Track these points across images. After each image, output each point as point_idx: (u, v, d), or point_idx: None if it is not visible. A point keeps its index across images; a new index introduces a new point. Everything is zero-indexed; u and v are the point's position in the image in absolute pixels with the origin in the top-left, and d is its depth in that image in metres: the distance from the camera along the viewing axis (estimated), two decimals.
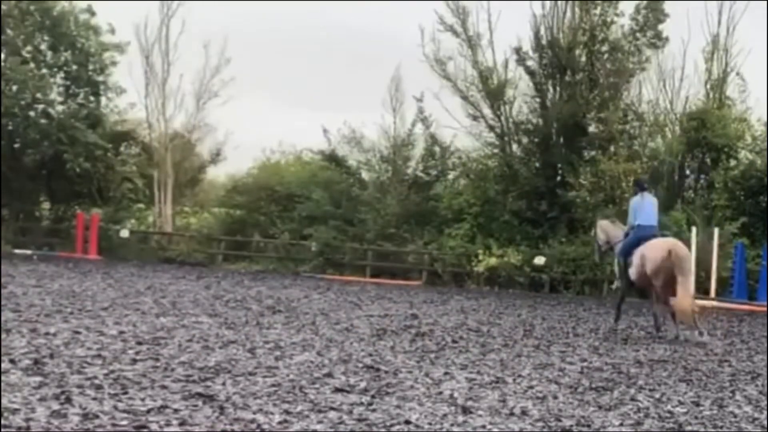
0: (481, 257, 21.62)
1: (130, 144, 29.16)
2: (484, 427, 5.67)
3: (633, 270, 12.30)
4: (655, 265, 11.88)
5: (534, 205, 22.42)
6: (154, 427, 5.11)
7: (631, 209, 12.77)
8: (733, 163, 22.00)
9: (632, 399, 6.96)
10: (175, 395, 5.98)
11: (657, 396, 7.17)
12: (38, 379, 6.22)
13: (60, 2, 27.31)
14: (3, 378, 6.08)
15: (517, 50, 23.18)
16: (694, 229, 19.55)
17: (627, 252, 12.45)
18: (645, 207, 12.65)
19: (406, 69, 24.98)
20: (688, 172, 22.79)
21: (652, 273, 11.95)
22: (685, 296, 11.72)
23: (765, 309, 17.05)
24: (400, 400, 6.30)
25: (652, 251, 12.00)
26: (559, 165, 22.70)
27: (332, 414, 5.72)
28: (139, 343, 8.25)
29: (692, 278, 12.33)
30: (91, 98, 27.77)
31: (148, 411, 5.46)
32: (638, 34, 22.98)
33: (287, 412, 5.69)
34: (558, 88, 23.11)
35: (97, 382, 6.26)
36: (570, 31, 23.03)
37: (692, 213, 20.69)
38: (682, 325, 11.84)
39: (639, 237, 12.33)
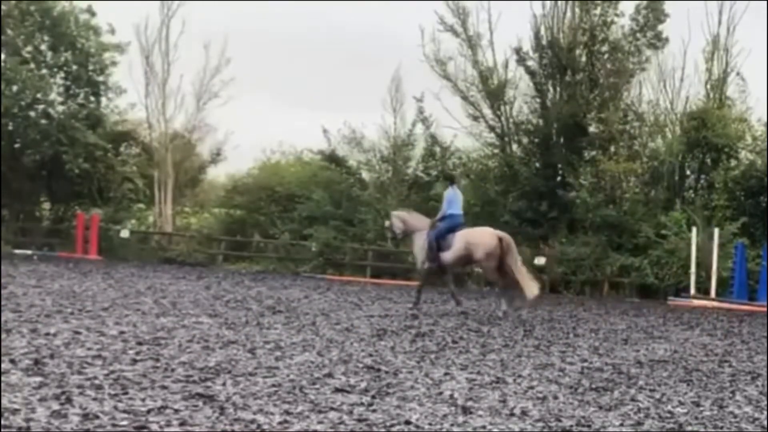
0: None
1: (130, 144, 29.17)
2: (484, 427, 5.67)
3: (450, 254, 14.09)
4: (488, 250, 13.92)
5: (534, 205, 22.42)
6: (154, 427, 5.11)
7: (447, 200, 14.55)
8: (733, 163, 22.01)
9: (632, 399, 6.96)
10: (176, 395, 5.98)
11: (657, 396, 7.17)
12: (38, 379, 6.22)
13: (60, 2, 27.32)
14: (3, 378, 6.08)
15: (518, 50, 23.19)
16: (694, 230, 19.56)
17: (442, 237, 14.16)
18: (458, 199, 14.62)
19: (406, 69, 25.02)
20: (688, 172, 22.79)
21: (484, 257, 13.97)
22: (527, 277, 14.09)
23: (765, 309, 17.05)
24: (401, 401, 6.30)
25: (484, 238, 14.06)
26: (560, 165, 22.70)
27: (332, 414, 5.72)
28: (140, 344, 8.25)
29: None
30: (92, 98, 27.78)
31: (149, 411, 5.46)
32: (638, 35, 22.98)
33: (287, 412, 5.69)
34: (558, 89, 23.12)
35: (97, 382, 6.26)
36: (570, 32, 23.03)
37: (692, 213, 20.70)
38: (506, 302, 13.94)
39: (453, 225, 14.29)
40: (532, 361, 8.80)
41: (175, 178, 27.71)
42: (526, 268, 14.56)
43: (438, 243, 14.22)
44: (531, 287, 14.07)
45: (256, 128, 37.66)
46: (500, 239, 14.08)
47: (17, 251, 23.95)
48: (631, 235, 21.26)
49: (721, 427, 6.17)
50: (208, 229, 26.94)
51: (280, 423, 5.40)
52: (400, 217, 15.14)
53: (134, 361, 7.24)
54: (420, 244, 14.61)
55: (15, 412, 5.18)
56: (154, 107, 27.65)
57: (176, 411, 5.52)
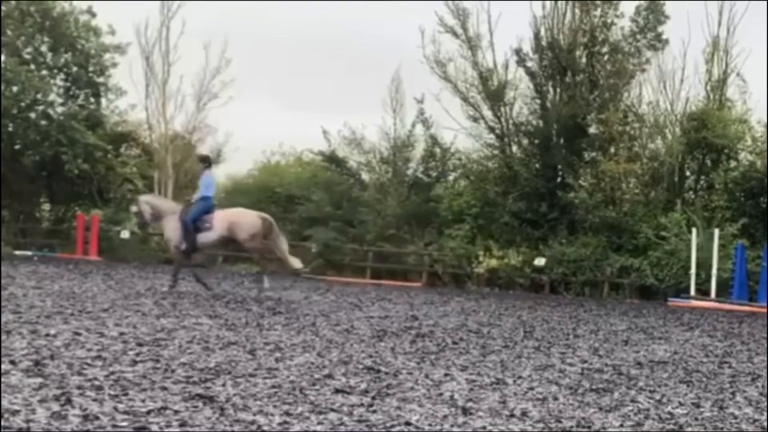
0: (481, 258, 21.63)
1: (130, 145, 29.18)
2: (484, 428, 5.67)
3: (212, 234, 14.62)
4: (252, 231, 14.60)
5: (534, 206, 22.44)
6: (154, 428, 5.10)
7: (205, 183, 14.96)
8: (733, 164, 22.01)
9: (632, 400, 6.96)
10: (176, 396, 5.98)
11: (657, 397, 7.17)
12: (39, 380, 6.21)
13: (60, 3, 27.32)
14: (3, 379, 6.08)
15: (518, 51, 23.21)
16: (694, 231, 19.56)
17: (198, 219, 14.59)
18: (213, 182, 15.34)
19: (406, 71, 25.06)
20: (688, 173, 22.81)
21: (249, 237, 14.62)
22: (288, 254, 15.04)
23: (765, 310, 17.05)
24: (401, 402, 6.30)
25: (247, 219, 14.76)
26: (560, 166, 22.71)
27: (332, 415, 5.72)
28: (140, 345, 8.24)
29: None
30: (92, 99, 27.79)
31: (149, 412, 5.46)
32: (638, 36, 23.00)
33: (287, 413, 5.69)
34: (558, 90, 23.13)
35: (97, 383, 6.26)
36: (570, 33, 23.04)
37: (692, 214, 20.70)
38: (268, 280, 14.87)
39: (207, 207, 14.78)
40: (532, 362, 8.80)
41: (175, 179, 27.70)
42: (288, 246, 15.43)
43: (195, 225, 14.62)
44: (294, 262, 15.15)
45: (256, 129, 37.63)
46: (263, 219, 14.86)
47: (17, 252, 23.95)
48: (631, 236, 21.28)
49: (722, 428, 6.17)
50: None
51: (280, 424, 5.40)
52: (149, 203, 15.27)
53: (134, 362, 7.24)
54: (172, 227, 14.85)
55: (15, 413, 5.18)
56: (154, 108, 27.69)
57: (176, 412, 5.52)
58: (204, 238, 14.71)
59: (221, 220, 14.65)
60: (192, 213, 14.71)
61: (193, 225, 14.59)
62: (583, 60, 23.15)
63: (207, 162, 15.65)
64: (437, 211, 23.48)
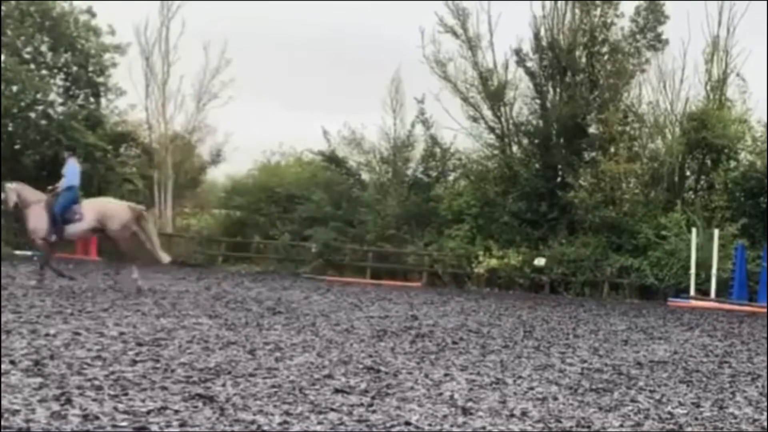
0: (481, 258, 21.62)
1: (130, 145, 29.16)
2: (484, 428, 5.67)
3: (82, 225, 14.65)
4: (124, 222, 14.78)
5: (534, 206, 22.43)
6: (154, 428, 5.11)
7: (73, 172, 15.02)
8: (733, 164, 22.00)
9: (632, 400, 6.96)
10: (176, 396, 5.98)
11: (657, 397, 7.17)
12: (38, 380, 6.22)
13: (60, 3, 27.32)
14: (3, 379, 6.08)
15: (517, 51, 23.19)
16: (694, 231, 19.57)
17: (66, 210, 14.57)
18: (78, 171, 15.27)
19: (406, 71, 25.02)
20: (688, 173, 22.79)
21: (120, 228, 14.73)
22: (158, 247, 15.31)
23: (765, 310, 17.05)
24: (401, 401, 6.30)
25: (119, 211, 14.97)
26: (560, 166, 22.71)
27: (332, 415, 5.72)
28: (140, 345, 8.25)
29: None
30: (91, 99, 27.78)
31: (149, 412, 5.46)
32: (638, 36, 22.98)
33: (287, 413, 5.69)
34: (558, 90, 23.12)
35: (97, 383, 6.26)
36: (570, 33, 23.03)
37: (692, 214, 20.70)
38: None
39: (75, 197, 14.85)
40: (531, 362, 8.80)
41: (175, 179, 27.70)
42: (158, 240, 15.89)
43: (64, 216, 14.62)
44: (163, 256, 15.35)
45: (256, 129, 37.62)
46: (132, 209, 15.15)
47: (17, 252, 23.92)
48: (630, 236, 21.27)
49: (721, 428, 6.17)
50: (208, 230, 26.92)
51: (280, 424, 5.40)
52: (16, 190, 15.04)
53: (134, 362, 7.24)
54: (37, 218, 14.73)
55: (15, 412, 5.18)
56: (154, 108, 27.66)
57: (176, 412, 5.52)
58: (73, 228, 14.75)
59: (90, 211, 14.77)
60: (60, 204, 14.64)
61: (62, 216, 14.60)
62: (583, 60, 23.13)
63: (72, 150, 16.21)
64: (437, 211, 23.46)
